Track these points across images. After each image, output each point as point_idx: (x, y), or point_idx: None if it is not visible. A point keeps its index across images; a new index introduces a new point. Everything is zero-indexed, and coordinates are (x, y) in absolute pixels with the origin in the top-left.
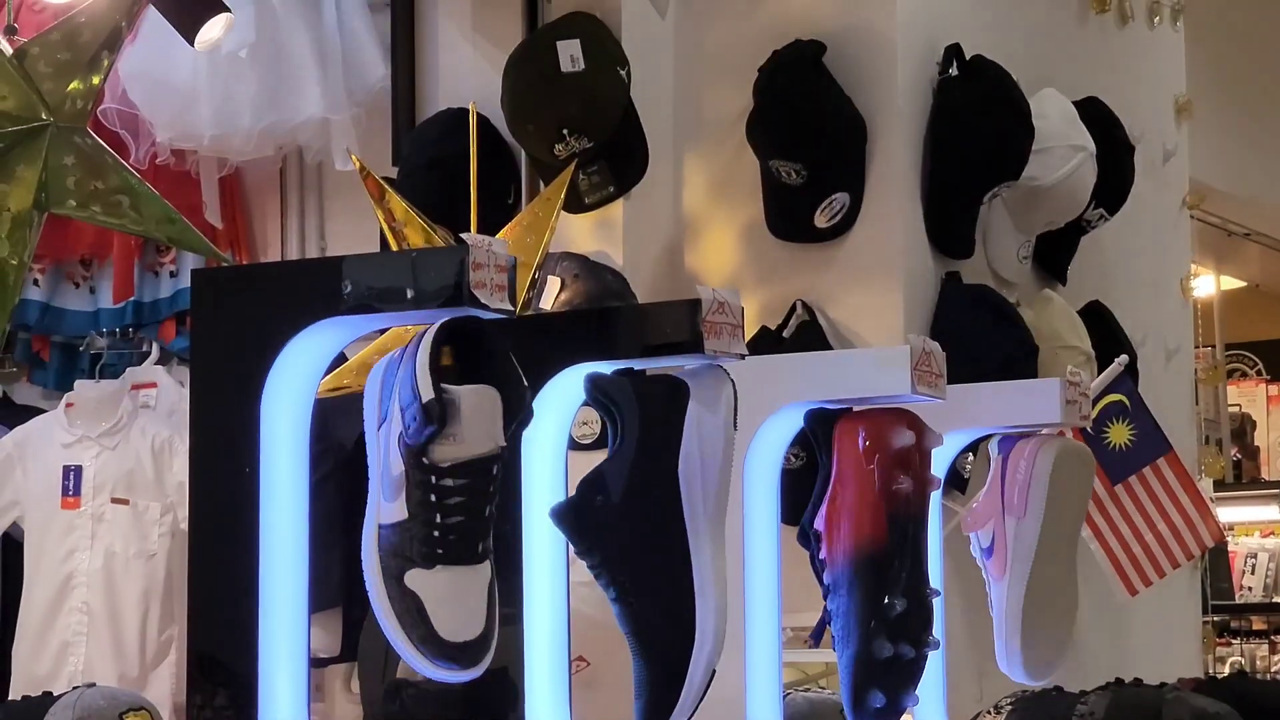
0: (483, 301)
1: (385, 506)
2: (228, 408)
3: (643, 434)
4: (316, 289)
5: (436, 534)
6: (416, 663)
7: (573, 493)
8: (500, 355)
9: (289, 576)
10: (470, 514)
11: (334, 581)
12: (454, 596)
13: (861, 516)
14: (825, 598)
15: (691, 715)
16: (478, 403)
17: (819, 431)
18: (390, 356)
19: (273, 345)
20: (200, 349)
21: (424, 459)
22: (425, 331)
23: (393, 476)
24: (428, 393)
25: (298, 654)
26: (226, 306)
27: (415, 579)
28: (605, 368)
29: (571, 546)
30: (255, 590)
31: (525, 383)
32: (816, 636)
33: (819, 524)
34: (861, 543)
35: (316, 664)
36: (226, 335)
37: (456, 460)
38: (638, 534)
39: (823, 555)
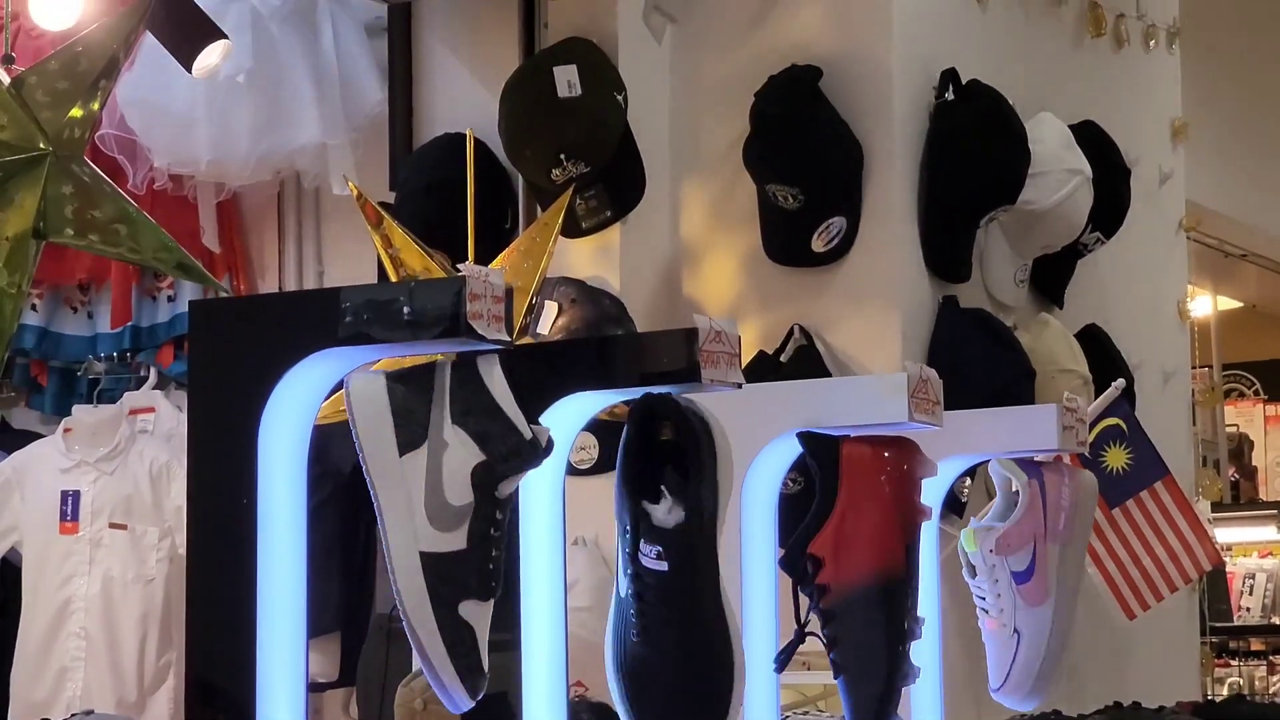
0: (479, 332)
1: (434, 535)
2: (226, 440)
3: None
4: (313, 320)
5: (491, 566)
6: (454, 692)
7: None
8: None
9: (287, 603)
10: (506, 548)
11: (332, 607)
12: (487, 628)
13: (881, 542)
14: (814, 624)
15: None
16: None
17: (822, 454)
18: (384, 379)
19: (270, 377)
20: (198, 380)
21: (495, 493)
22: (478, 362)
23: (452, 506)
24: (526, 430)
25: (295, 680)
26: (224, 337)
27: (470, 610)
28: (602, 397)
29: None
30: (253, 617)
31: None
32: (784, 661)
33: (817, 549)
34: (881, 569)
35: (315, 689)
36: (224, 366)
37: (510, 495)
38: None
39: (822, 580)
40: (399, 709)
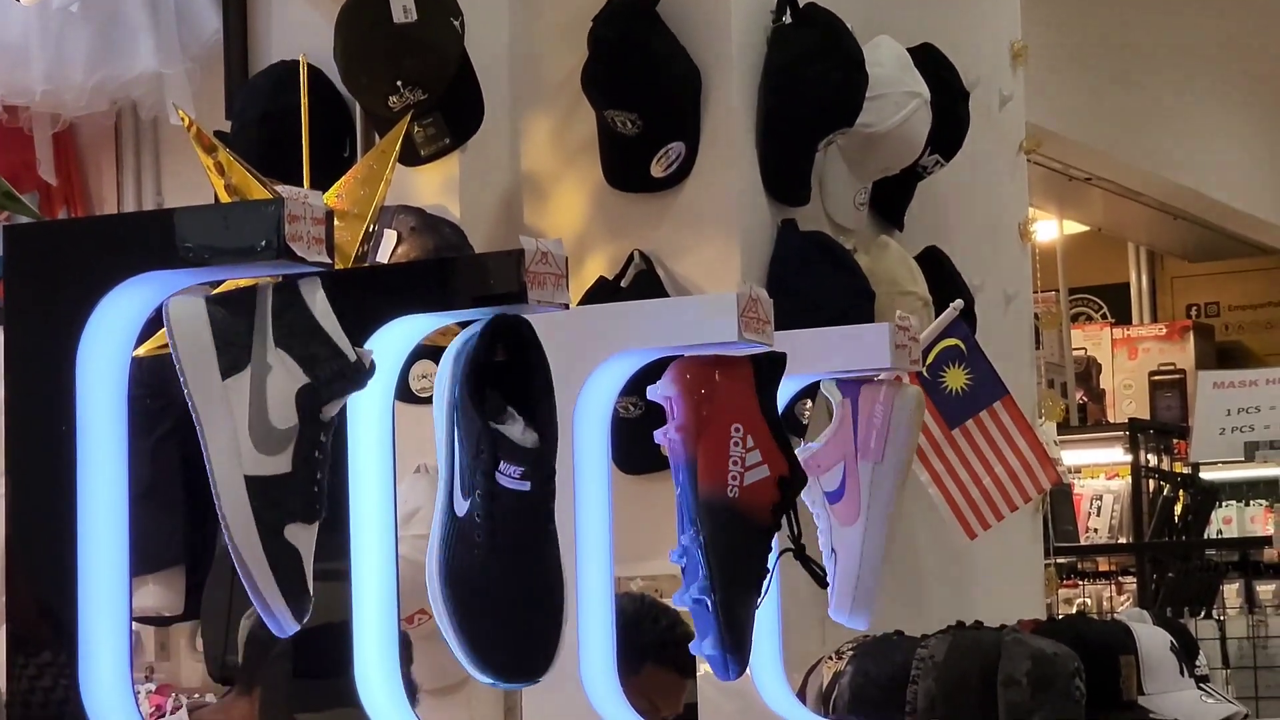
0: (299, 255)
1: (259, 459)
2: (42, 365)
3: None
4: (130, 244)
5: (316, 489)
6: (281, 617)
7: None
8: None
9: (109, 533)
10: (331, 471)
11: (177, 540)
12: (312, 552)
13: None
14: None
15: None
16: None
17: None
18: (204, 302)
19: (87, 301)
20: (14, 306)
21: (319, 415)
22: (301, 285)
23: (276, 430)
24: (350, 353)
25: (119, 611)
26: (40, 262)
27: (295, 533)
28: (431, 320)
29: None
30: (75, 547)
31: None
32: None
33: None
34: None
35: (161, 623)
36: (40, 291)
37: (332, 418)
38: None
39: None
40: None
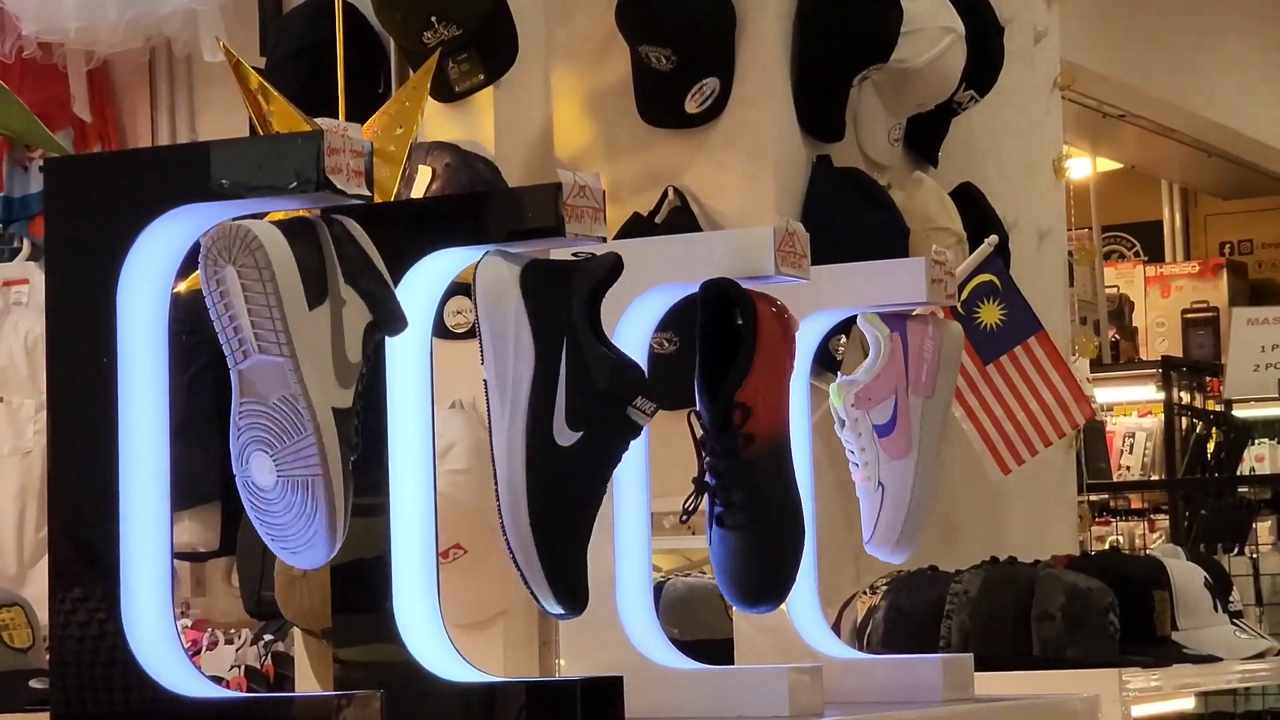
0: (339, 188)
1: (339, 392)
2: (83, 297)
3: None
4: (169, 176)
5: (359, 424)
6: (278, 552)
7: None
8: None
9: (150, 465)
10: (370, 407)
11: (212, 476)
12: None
13: (782, 398)
14: (721, 478)
15: None
16: None
17: (742, 302)
18: (279, 232)
19: (127, 234)
20: (55, 239)
21: (370, 353)
22: (346, 222)
23: (350, 364)
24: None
25: (160, 544)
26: (81, 195)
27: None
28: (468, 253)
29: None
30: (115, 480)
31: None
32: (690, 514)
33: (746, 397)
34: (782, 425)
35: (196, 558)
36: (80, 224)
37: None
38: None
39: (750, 429)
40: (279, 577)
